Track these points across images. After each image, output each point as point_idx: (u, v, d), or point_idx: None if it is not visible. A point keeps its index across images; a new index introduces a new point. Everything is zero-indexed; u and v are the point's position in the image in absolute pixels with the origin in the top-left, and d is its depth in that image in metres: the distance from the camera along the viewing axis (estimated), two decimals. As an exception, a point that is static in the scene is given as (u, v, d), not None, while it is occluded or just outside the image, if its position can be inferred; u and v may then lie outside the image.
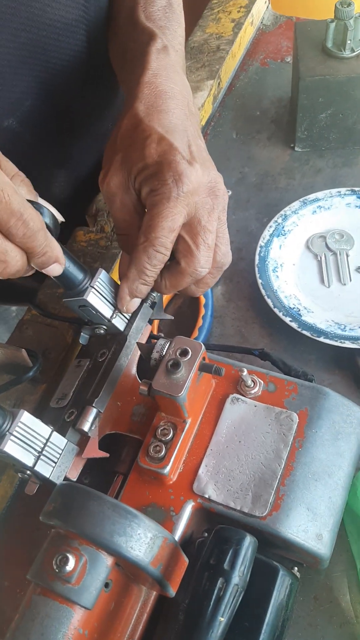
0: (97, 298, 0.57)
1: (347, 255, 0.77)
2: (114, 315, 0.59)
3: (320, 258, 0.78)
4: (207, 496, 0.54)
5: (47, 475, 0.54)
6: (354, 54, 0.81)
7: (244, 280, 0.79)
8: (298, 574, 0.53)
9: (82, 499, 0.44)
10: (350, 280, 0.75)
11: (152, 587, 0.50)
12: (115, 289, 0.59)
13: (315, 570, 0.56)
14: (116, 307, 0.59)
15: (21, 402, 0.65)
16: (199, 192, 0.53)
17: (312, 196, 0.81)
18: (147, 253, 0.53)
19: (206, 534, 0.56)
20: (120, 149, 0.55)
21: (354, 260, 0.77)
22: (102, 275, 0.57)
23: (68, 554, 0.42)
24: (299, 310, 0.71)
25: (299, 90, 0.82)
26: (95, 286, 0.56)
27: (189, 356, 0.54)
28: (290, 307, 0.71)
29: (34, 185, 0.51)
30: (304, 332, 0.69)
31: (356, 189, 0.81)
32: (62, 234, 0.54)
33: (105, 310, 0.58)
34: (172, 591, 0.47)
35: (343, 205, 0.81)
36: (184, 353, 0.54)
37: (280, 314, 0.70)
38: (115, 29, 0.69)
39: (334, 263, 0.77)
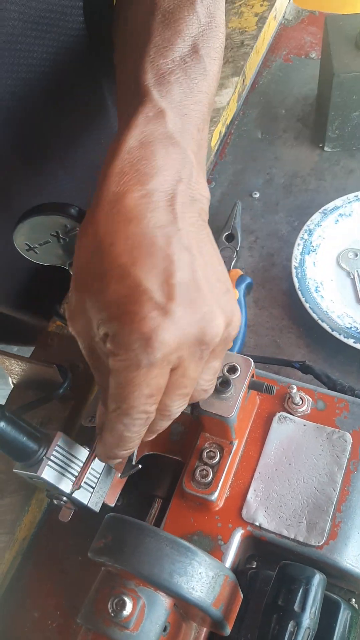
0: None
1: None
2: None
3: (353, 276, 0.74)
4: (257, 524, 0.50)
5: (85, 502, 0.50)
6: (391, 49, 0.77)
7: (277, 287, 0.75)
8: (357, 606, 0.49)
9: (136, 534, 0.40)
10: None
11: (203, 624, 0.46)
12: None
13: (369, 599, 0.53)
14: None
15: (49, 419, 0.61)
16: (182, 348, 0.38)
17: (330, 205, 0.77)
18: (122, 422, 0.40)
19: (255, 563, 0.52)
20: (81, 286, 0.40)
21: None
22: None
23: (125, 597, 0.38)
24: (358, 328, 0.67)
25: (331, 87, 0.79)
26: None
27: (238, 373, 0.50)
28: (347, 327, 0.68)
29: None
30: None
31: (375, 189, 0.78)
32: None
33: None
34: (229, 630, 0.44)
35: (364, 209, 0.77)
36: (233, 370, 0.50)
37: (342, 338, 0.66)
38: (120, 85, 0.53)
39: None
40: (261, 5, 0.98)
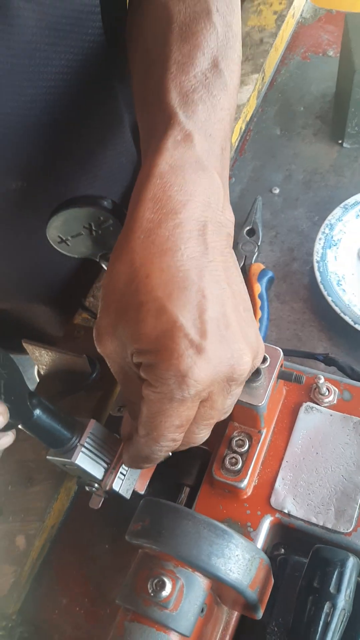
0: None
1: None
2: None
3: (373, 270, 0.75)
4: (286, 511, 0.51)
5: (117, 489, 0.51)
6: None
7: (298, 281, 0.76)
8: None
9: (173, 516, 0.41)
10: None
11: (235, 607, 0.47)
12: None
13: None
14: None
15: (77, 410, 0.62)
16: (214, 384, 0.40)
17: (351, 200, 0.78)
18: (150, 447, 0.43)
19: (283, 550, 0.53)
20: (113, 310, 0.41)
21: None
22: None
23: (164, 578, 0.39)
24: None
25: (353, 84, 0.79)
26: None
27: (268, 363, 0.51)
28: None
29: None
30: None
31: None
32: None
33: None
34: (261, 613, 0.45)
35: (385, 204, 0.78)
36: (263, 360, 0.51)
37: None
38: (141, 101, 0.53)
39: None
40: (280, 3, 0.99)
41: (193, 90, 0.48)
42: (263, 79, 0.93)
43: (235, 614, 0.48)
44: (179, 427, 0.41)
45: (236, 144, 0.89)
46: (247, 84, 0.89)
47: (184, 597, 0.39)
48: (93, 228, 0.52)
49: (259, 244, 0.78)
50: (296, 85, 0.97)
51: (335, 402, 0.56)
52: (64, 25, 0.56)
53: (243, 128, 0.90)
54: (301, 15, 1.05)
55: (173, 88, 0.47)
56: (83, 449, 0.49)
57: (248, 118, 0.91)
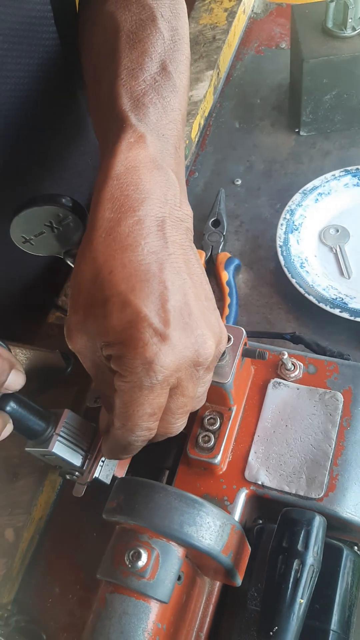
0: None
1: (342, 249, 0.77)
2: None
3: (335, 250, 0.77)
4: (260, 482, 0.53)
5: (97, 475, 0.53)
6: (356, 32, 0.81)
7: (264, 266, 0.78)
8: (359, 552, 0.52)
9: (147, 491, 0.43)
10: (350, 276, 0.75)
11: (216, 577, 0.49)
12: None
13: (371, 548, 0.56)
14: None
15: (55, 404, 0.64)
16: (180, 369, 0.42)
17: (309, 185, 0.81)
18: (127, 439, 0.44)
19: (260, 521, 0.55)
20: (81, 307, 0.43)
21: (353, 250, 0.77)
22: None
23: (140, 549, 0.41)
24: (343, 299, 0.71)
25: (302, 73, 0.82)
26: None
27: (231, 342, 0.53)
28: (333, 299, 0.71)
29: None
30: (358, 319, 0.68)
31: (349, 168, 0.81)
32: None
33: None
34: (240, 580, 0.47)
35: (341, 187, 0.81)
36: (227, 339, 0.53)
37: (328, 308, 0.70)
38: (95, 108, 0.55)
39: (350, 254, 0.77)
40: (230, 0, 1.02)
41: (143, 94, 0.50)
42: (218, 74, 0.95)
43: (217, 585, 0.50)
44: (152, 415, 0.43)
45: (197, 139, 0.91)
46: (202, 80, 0.91)
47: (160, 566, 0.41)
48: (54, 225, 0.54)
49: (225, 233, 0.80)
50: (252, 79, 1.00)
51: (301, 376, 0.58)
52: (17, 31, 0.58)
53: (202, 123, 0.92)
54: (252, 10, 1.08)
55: (124, 93, 0.50)
56: (59, 438, 0.51)
57: (206, 113, 0.94)
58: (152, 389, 0.42)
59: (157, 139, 0.48)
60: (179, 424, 0.47)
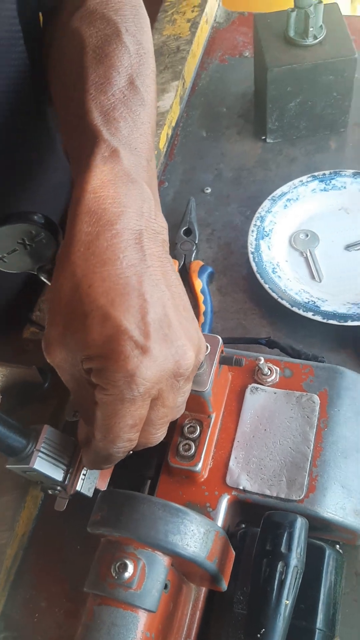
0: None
1: (312, 254, 0.78)
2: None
3: (306, 255, 0.78)
4: (241, 487, 0.54)
5: (79, 489, 0.53)
6: (317, 40, 0.82)
7: (237, 273, 0.79)
8: (341, 551, 0.53)
9: (131, 503, 0.43)
10: (321, 279, 0.76)
11: (202, 583, 0.50)
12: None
13: (353, 546, 0.57)
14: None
15: (34, 420, 0.64)
16: (161, 381, 0.43)
17: (278, 192, 0.82)
18: (108, 451, 0.45)
19: (243, 525, 0.56)
20: (60, 321, 0.43)
21: (322, 254, 0.78)
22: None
23: (126, 560, 0.41)
24: (315, 302, 0.72)
25: (266, 82, 0.83)
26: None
27: (208, 351, 0.54)
28: (306, 302, 0.72)
29: None
30: (330, 321, 0.70)
31: (316, 173, 0.83)
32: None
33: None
34: (225, 585, 0.48)
35: (309, 192, 0.82)
36: (203, 348, 0.54)
37: (301, 312, 0.71)
38: (65, 124, 0.55)
39: (320, 258, 0.78)
40: (192, 11, 1.03)
41: (113, 108, 0.50)
42: (184, 84, 0.96)
43: (203, 590, 0.51)
44: (133, 427, 0.44)
45: (165, 149, 0.92)
46: (168, 91, 0.92)
47: (146, 575, 0.42)
48: (27, 242, 0.54)
49: (197, 242, 0.81)
50: (217, 88, 1.01)
51: (277, 380, 0.59)
52: None
53: (170, 134, 0.93)
54: (215, 20, 1.09)
55: (94, 108, 0.50)
56: (40, 454, 0.51)
57: (174, 123, 0.95)
58: (133, 402, 0.42)
59: (130, 152, 0.49)
60: (159, 434, 0.48)
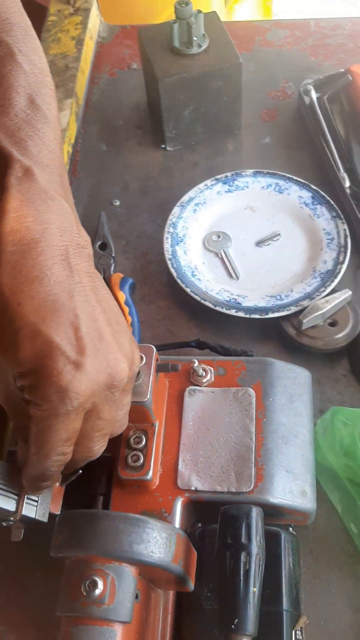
0: None
1: (226, 254, 0.81)
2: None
3: (221, 255, 0.81)
4: (193, 488, 0.55)
5: (34, 516, 0.53)
6: (202, 49, 0.86)
7: (158, 281, 0.81)
8: (294, 532, 0.56)
9: (90, 521, 0.44)
10: (238, 277, 0.79)
11: (169, 587, 0.51)
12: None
13: (304, 527, 0.60)
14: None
15: (-24, 455, 0.63)
16: (95, 395, 0.43)
17: (186, 197, 0.84)
18: (43, 465, 0.45)
19: (200, 525, 0.57)
20: None
21: (236, 253, 0.81)
22: None
23: (94, 577, 0.42)
24: (236, 299, 0.75)
25: (159, 93, 0.86)
26: None
27: (144, 361, 0.55)
28: (227, 300, 0.74)
29: None
30: (253, 316, 0.72)
31: (218, 176, 0.86)
32: None
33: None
34: (192, 585, 0.49)
35: (214, 195, 0.85)
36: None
37: (224, 310, 0.73)
38: None
39: (234, 256, 0.81)
40: (75, 29, 1.04)
41: (18, 129, 0.50)
42: (77, 101, 0.97)
43: (171, 594, 0.52)
44: (67, 440, 0.44)
45: (68, 167, 0.92)
46: (63, 109, 0.93)
47: (116, 589, 0.42)
48: None
49: (113, 255, 0.82)
50: (111, 102, 1.02)
51: (213, 379, 0.61)
52: None
53: (70, 151, 0.94)
54: (99, 35, 1.10)
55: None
56: None
57: (72, 141, 0.95)
58: (67, 416, 0.42)
59: (42, 170, 0.49)
60: (97, 447, 0.48)
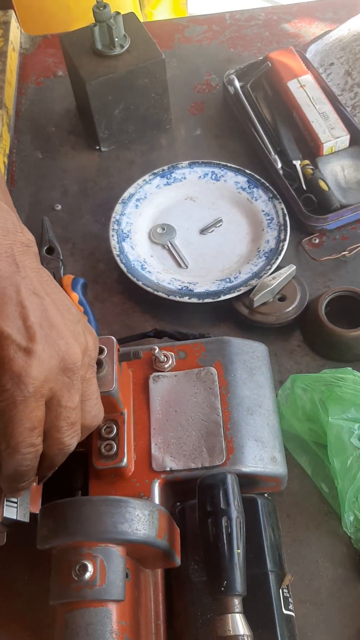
0: None
1: (172, 244, 0.83)
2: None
3: (167, 247, 0.83)
4: (168, 469, 0.57)
5: (15, 517, 0.53)
6: (124, 49, 0.87)
7: (109, 278, 0.82)
8: (270, 498, 0.58)
9: (73, 508, 0.45)
10: (187, 265, 0.81)
11: (157, 564, 0.52)
12: None
13: (278, 493, 0.62)
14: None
15: None
16: (50, 379, 0.45)
17: (126, 194, 0.86)
18: (15, 460, 0.45)
19: (178, 504, 0.59)
20: None
21: (182, 243, 0.83)
22: None
23: (84, 561, 0.43)
24: (187, 286, 0.77)
25: (87, 95, 0.87)
26: None
27: (106, 352, 0.56)
28: (179, 289, 0.76)
29: None
30: (206, 300, 0.74)
31: (155, 170, 0.88)
32: None
33: None
34: (178, 559, 0.50)
35: (154, 189, 0.87)
36: (100, 351, 0.56)
37: (177, 298, 0.75)
38: None
39: (180, 246, 0.83)
40: (-4, 41, 1.04)
41: None
42: (7, 112, 0.97)
43: (159, 573, 0.53)
44: (33, 430, 0.45)
45: (5, 177, 0.93)
46: (-6, 121, 0.93)
47: (107, 569, 0.43)
48: None
49: (61, 258, 0.83)
50: (40, 110, 1.03)
51: (175, 364, 0.63)
52: None
53: (6, 162, 0.94)
54: (21, 46, 1.11)
55: None
56: None
57: (7, 151, 0.95)
58: (26, 403, 0.43)
59: None
60: (67, 439, 0.48)
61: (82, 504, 0.45)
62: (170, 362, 0.63)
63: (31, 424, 0.44)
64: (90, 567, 0.43)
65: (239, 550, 0.45)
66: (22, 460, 0.45)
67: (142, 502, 0.46)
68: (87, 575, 0.43)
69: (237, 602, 0.44)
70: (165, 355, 0.63)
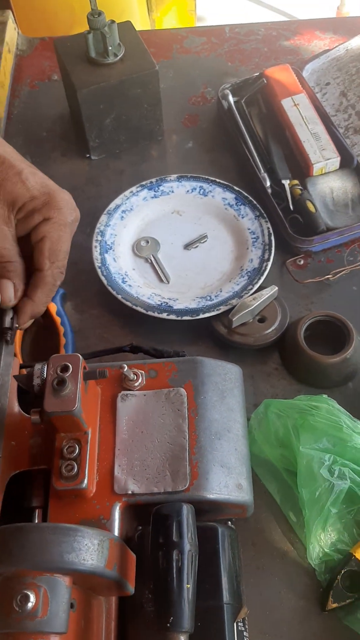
0: None
1: (155, 258, 0.82)
2: None
3: (150, 260, 0.82)
4: (130, 492, 0.55)
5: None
6: (118, 58, 0.86)
7: (89, 290, 0.81)
8: (233, 526, 0.57)
9: (18, 535, 0.43)
10: (168, 280, 0.80)
11: (110, 592, 0.51)
12: None
13: (244, 519, 0.61)
14: None
15: None
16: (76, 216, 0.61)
17: (112, 205, 0.85)
18: (54, 276, 0.60)
19: (140, 527, 0.58)
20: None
21: (165, 257, 0.82)
22: None
23: (26, 591, 0.41)
24: (167, 302, 0.75)
25: (78, 103, 0.86)
26: None
27: (71, 370, 0.55)
28: (159, 304, 0.75)
29: None
30: (184, 317, 0.73)
31: (144, 182, 0.87)
32: None
33: None
34: (131, 588, 0.49)
35: (141, 201, 0.86)
36: (65, 369, 0.55)
37: (156, 314, 0.74)
38: None
39: (163, 260, 0.82)
40: (-7, 42, 1.03)
41: None
42: (-1, 115, 0.97)
43: (113, 600, 0.52)
44: (67, 254, 0.61)
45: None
46: (-16, 123, 0.92)
47: (50, 600, 0.42)
48: None
49: (43, 267, 0.82)
50: (33, 114, 1.02)
51: (144, 383, 0.62)
52: None
53: (-5, 165, 0.93)
54: (17, 48, 1.10)
55: None
56: None
57: (-4, 155, 0.94)
58: (68, 227, 0.61)
59: None
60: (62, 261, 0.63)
61: (28, 531, 0.43)
62: (140, 380, 0.61)
63: (68, 247, 0.62)
64: (32, 598, 0.41)
65: (188, 585, 0.43)
66: (59, 277, 0.62)
67: (92, 531, 0.45)
68: (29, 605, 0.41)
69: (182, 639, 0.43)
70: (135, 374, 0.61)
